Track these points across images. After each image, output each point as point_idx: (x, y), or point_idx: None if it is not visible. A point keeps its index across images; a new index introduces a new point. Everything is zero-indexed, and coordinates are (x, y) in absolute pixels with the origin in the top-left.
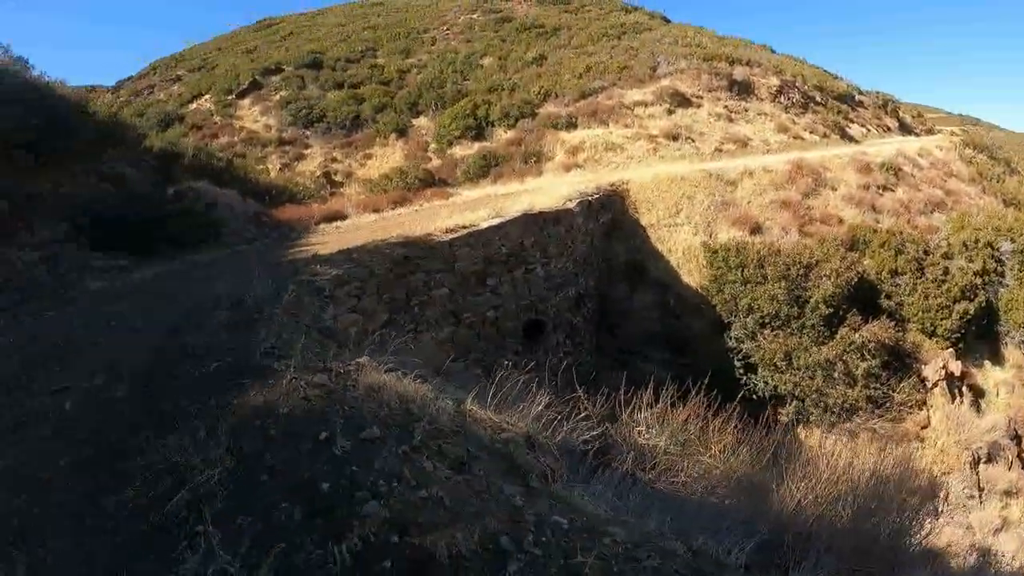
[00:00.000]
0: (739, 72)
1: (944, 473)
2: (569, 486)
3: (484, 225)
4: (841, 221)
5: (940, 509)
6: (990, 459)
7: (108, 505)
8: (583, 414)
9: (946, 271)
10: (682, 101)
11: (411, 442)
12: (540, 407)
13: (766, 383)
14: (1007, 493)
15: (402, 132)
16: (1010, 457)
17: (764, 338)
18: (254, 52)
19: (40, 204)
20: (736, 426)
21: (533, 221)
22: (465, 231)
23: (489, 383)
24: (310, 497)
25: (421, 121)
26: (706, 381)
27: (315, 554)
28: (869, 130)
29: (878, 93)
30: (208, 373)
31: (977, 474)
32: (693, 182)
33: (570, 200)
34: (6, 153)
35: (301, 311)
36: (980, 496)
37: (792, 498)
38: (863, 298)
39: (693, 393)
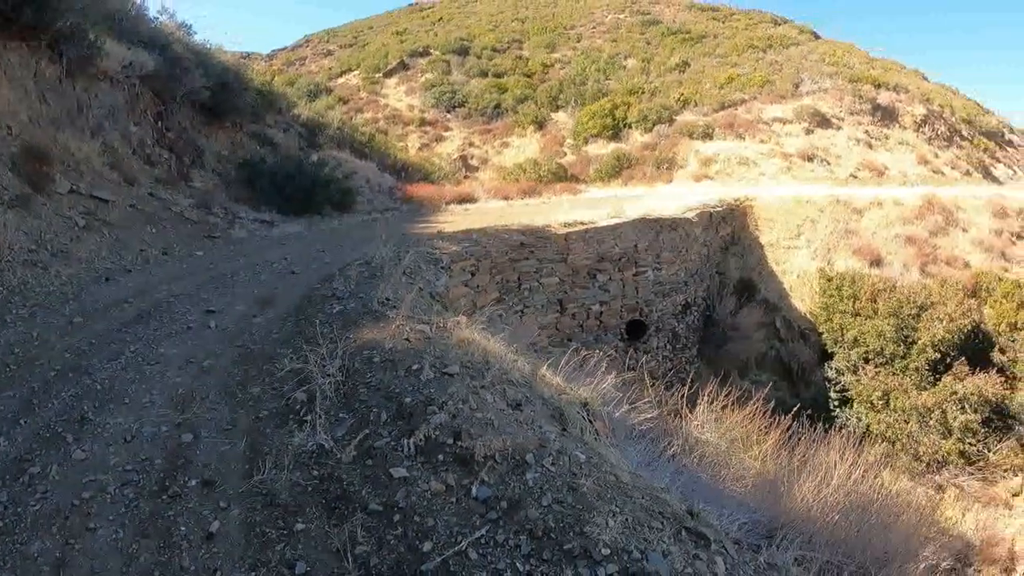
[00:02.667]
0: (884, 97)
1: None
2: (604, 443)
3: (601, 224)
4: (967, 265)
5: None
6: None
7: (253, 390)
8: (646, 400)
9: None
10: (822, 121)
11: (482, 381)
12: (605, 385)
13: (859, 419)
14: None
15: (540, 125)
16: None
17: (865, 374)
18: (404, 34)
19: (200, 158)
20: (783, 434)
21: (649, 226)
22: (582, 227)
23: (573, 362)
24: (395, 406)
25: (560, 116)
26: (793, 406)
27: (390, 443)
28: (1016, 172)
29: None
30: (333, 312)
31: None
32: (818, 206)
33: (691, 209)
34: (184, 111)
35: (417, 276)
36: None
37: (802, 498)
38: (975, 348)
39: (753, 401)
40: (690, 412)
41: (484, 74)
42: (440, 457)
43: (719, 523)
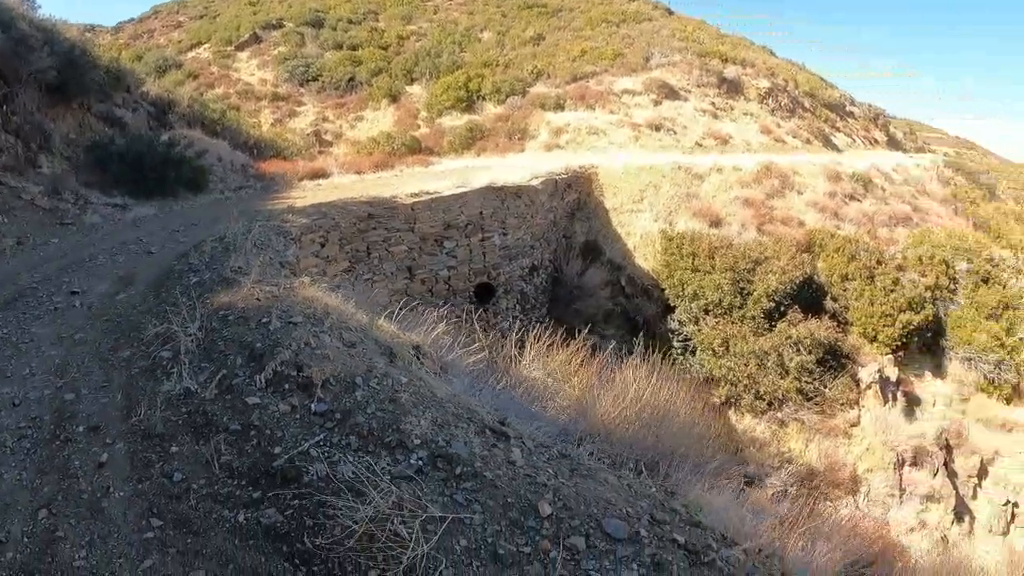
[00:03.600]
0: (731, 71)
1: (868, 470)
2: (428, 372)
3: (447, 193)
4: (802, 224)
5: (860, 503)
6: (915, 463)
7: (123, 354)
8: (477, 345)
9: (896, 281)
10: (670, 93)
11: (321, 327)
12: (437, 332)
13: (702, 366)
14: (928, 498)
15: (395, 98)
16: (936, 464)
17: (706, 324)
18: (257, 5)
19: (48, 142)
20: (600, 365)
21: (495, 194)
22: (428, 197)
23: (416, 319)
24: (248, 351)
25: (415, 89)
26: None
27: (245, 380)
28: (854, 141)
29: (870, 106)
30: (190, 284)
31: (900, 476)
32: (661, 172)
33: (537, 177)
34: (30, 93)
35: (267, 247)
36: (900, 497)
37: (604, 411)
38: (810, 298)
39: (579, 340)
40: (519, 355)
41: (339, 46)
42: (286, 386)
43: (528, 431)
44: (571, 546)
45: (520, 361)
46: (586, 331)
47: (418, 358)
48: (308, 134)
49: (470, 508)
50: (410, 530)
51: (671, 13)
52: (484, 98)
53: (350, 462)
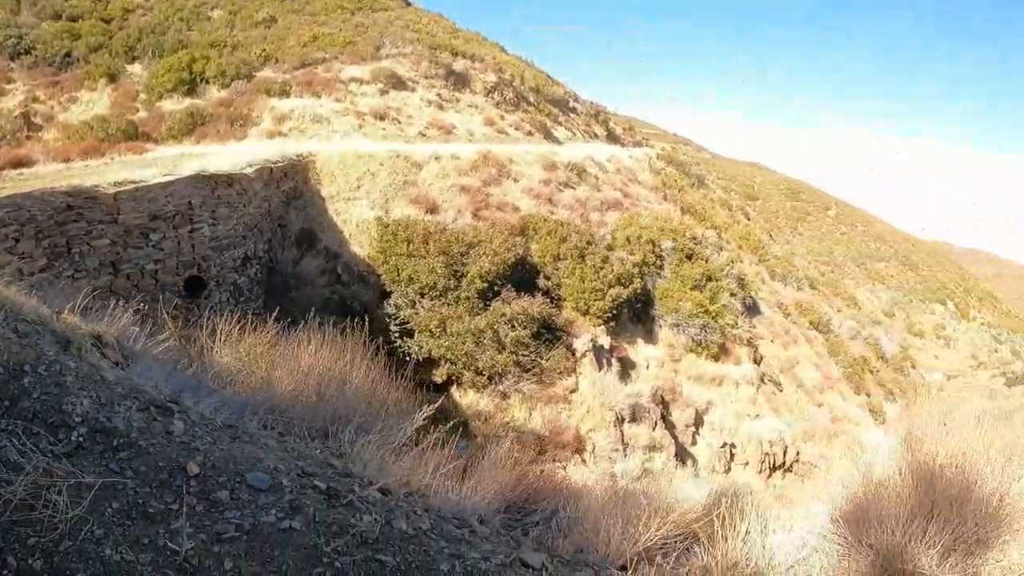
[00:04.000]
0: (459, 64)
1: (591, 430)
2: (102, 360)
3: (154, 181)
4: (517, 210)
5: (586, 460)
6: (634, 419)
7: None
8: (167, 335)
9: (606, 260)
10: (397, 83)
11: None
12: (122, 322)
13: (420, 347)
14: (650, 448)
15: (113, 77)
16: (654, 419)
17: (422, 307)
18: None
19: None
20: (289, 346)
21: (204, 183)
22: (133, 186)
23: (105, 310)
24: None
25: (135, 68)
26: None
27: None
28: (575, 134)
29: (592, 103)
30: None
31: (621, 432)
32: (379, 160)
33: (251, 165)
34: None
35: None
36: (624, 450)
37: (282, 384)
38: (524, 278)
39: (270, 323)
40: (212, 343)
41: (57, 16)
42: None
43: (203, 407)
44: (216, 499)
45: (213, 348)
46: (276, 315)
47: (97, 347)
48: (16, 116)
49: (123, 474)
50: (62, 498)
51: (408, 4)
52: (208, 81)
53: (15, 446)
